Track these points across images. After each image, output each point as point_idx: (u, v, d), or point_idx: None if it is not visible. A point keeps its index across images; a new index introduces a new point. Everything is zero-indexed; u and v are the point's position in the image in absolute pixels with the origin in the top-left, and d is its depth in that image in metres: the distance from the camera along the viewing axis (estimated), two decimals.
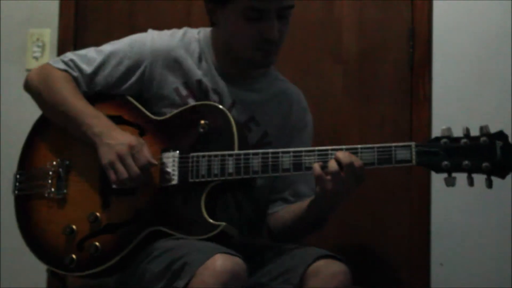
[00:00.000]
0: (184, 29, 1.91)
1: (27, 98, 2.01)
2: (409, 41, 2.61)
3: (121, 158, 1.70)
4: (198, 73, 1.84)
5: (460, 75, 2.56)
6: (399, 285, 2.57)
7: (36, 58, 2.87)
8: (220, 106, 1.78)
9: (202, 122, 1.75)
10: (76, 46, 2.83)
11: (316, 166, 1.64)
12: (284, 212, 1.85)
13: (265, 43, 1.76)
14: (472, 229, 2.51)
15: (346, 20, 2.67)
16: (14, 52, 2.89)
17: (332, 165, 1.62)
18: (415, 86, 2.59)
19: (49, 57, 2.83)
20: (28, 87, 1.91)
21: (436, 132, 1.53)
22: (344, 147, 1.66)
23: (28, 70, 2.27)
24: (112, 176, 1.72)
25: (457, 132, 1.65)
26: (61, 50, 2.83)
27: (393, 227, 2.60)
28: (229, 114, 1.75)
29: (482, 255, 2.50)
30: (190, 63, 1.84)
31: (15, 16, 2.92)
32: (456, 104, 2.52)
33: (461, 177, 2.55)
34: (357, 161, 1.62)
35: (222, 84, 1.85)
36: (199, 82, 1.83)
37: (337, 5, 2.68)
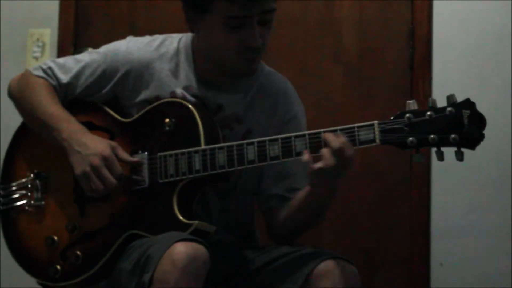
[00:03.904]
0: (164, 37, 1.87)
1: None
2: (409, 41, 2.61)
3: (95, 170, 1.69)
4: (172, 85, 1.81)
5: (460, 75, 2.56)
6: (399, 285, 2.57)
7: (36, 58, 2.87)
8: (184, 102, 1.74)
9: (167, 120, 1.73)
10: (76, 46, 2.83)
11: (306, 153, 1.58)
12: (283, 209, 1.81)
13: (248, 51, 1.71)
14: (472, 229, 2.51)
15: (346, 20, 2.68)
16: (14, 52, 2.89)
17: (324, 150, 1.56)
18: (415, 86, 2.59)
19: (49, 57, 2.83)
20: (9, 93, 1.92)
21: None
22: (307, 132, 1.59)
23: None
24: (87, 186, 1.71)
25: None
26: (61, 50, 2.83)
27: (393, 227, 2.60)
28: (193, 109, 1.71)
29: (482, 255, 2.50)
30: (164, 75, 1.81)
31: (15, 16, 2.92)
32: None
33: (460, 177, 2.54)
34: (348, 147, 1.56)
35: (204, 91, 1.81)
36: (174, 93, 1.80)
37: (337, 5, 2.68)
